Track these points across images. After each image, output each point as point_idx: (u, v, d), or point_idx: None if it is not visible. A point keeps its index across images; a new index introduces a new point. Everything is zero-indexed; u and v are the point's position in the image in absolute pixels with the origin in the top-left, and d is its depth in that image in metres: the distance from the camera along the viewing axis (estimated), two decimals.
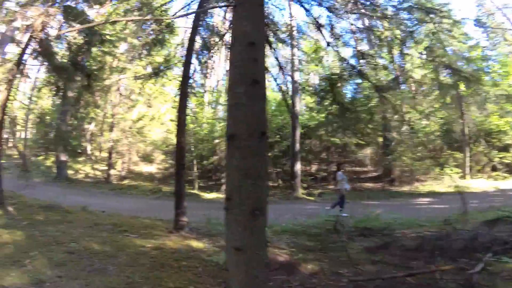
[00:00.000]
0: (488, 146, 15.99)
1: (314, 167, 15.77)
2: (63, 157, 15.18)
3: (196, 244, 4.63)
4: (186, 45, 6.19)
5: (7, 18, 8.24)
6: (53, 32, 6.05)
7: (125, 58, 15.59)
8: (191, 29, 5.95)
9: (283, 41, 6.57)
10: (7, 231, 4.12)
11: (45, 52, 5.79)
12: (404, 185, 14.49)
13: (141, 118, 15.85)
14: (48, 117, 17.10)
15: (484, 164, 16.06)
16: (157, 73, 7.40)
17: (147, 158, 19.21)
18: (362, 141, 14.87)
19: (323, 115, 14.59)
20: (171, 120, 17.57)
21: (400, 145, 14.69)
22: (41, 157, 20.37)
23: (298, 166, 12.32)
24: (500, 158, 15.51)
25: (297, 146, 12.44)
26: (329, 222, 5.55)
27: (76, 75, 6.57)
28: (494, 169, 15.70)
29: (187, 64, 5.71)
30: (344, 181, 8.29)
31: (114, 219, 6.26)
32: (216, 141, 14.80)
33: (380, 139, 15.63)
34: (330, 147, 15.18)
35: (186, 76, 5.68)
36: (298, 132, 12.67)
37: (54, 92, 7.32)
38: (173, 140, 16.57)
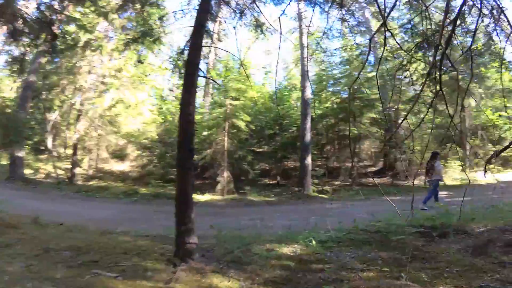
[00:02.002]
0: (484, 140, 15.94)
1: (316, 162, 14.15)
2: (19, 153, 12.64)
3: (224, 284, 2.71)
4: None
5: None
6: None
7: (103, 35, 13.12)
8: None
9: None
10: None
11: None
12: (411, 179, 13.47)
13: (114, 105, 13.26)
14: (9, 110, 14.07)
15: (482, 157, 15.85)
16: (147, 34, 5.48)
17: (118, 154, 16.67)
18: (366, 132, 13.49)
19: (327, 104, 13.13)
20: (150, 110, 15.20)
21: (407, 136, 13.66)
22: None
23: (309, 160, 10.54)
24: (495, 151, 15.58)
25: (308, 136, 10.66)
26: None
27: (41, 35, 5.13)
28: (489, 162, 15.60)
29: (202, 12, 3.94)
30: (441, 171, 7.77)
31: (77, 237, 4.19)
32: (205, 133, 12.65)
33: (381, 131, 14.20)
34: (335, 139, 13.62)
35: (201, 25, 3.90)
36: (309, 120, 10.88)
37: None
38: (152, 133, 14.44)
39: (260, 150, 14.26)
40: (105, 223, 5.61)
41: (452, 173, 14.04)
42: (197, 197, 9.89)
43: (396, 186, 12.08)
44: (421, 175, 13.43)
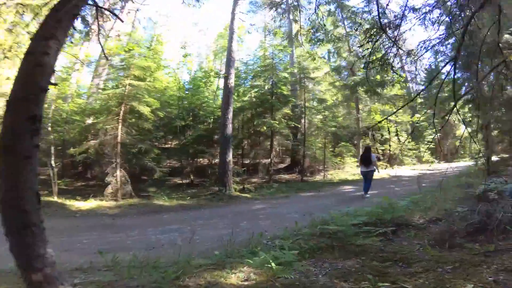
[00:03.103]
0: (373, 140, 18.55)
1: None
2: None
3: None
4: None
5: None
6: None
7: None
8: None
9: None
10: None
11: None
12: (315, 175, 14.10)
13: None
14: None
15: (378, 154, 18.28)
16: None
17: None
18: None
19: (245, 98, 12.25)
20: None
21: (311, 134, 14.32)
22: None
23: (230, 156, 9.14)
24: (382, 150, 18.53)
25: (230, 128, 9.23)
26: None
27: None
28: (378, 159, 18.23)
29: None
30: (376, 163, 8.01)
31: None
32: (89, 121, 9.89)
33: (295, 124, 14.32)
34: (252, 134, 12.80)
35: None
36: (231, 111, 9.50)
37: None
38: None
39: (167, 146, 12.11)
40: None
41: (349, 169, 15.53)
42: (76, 204, 7.08)
43: (305, 182, 12.23)
44: (323, 171, 14.37)
